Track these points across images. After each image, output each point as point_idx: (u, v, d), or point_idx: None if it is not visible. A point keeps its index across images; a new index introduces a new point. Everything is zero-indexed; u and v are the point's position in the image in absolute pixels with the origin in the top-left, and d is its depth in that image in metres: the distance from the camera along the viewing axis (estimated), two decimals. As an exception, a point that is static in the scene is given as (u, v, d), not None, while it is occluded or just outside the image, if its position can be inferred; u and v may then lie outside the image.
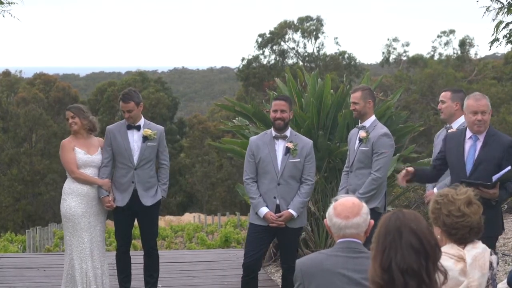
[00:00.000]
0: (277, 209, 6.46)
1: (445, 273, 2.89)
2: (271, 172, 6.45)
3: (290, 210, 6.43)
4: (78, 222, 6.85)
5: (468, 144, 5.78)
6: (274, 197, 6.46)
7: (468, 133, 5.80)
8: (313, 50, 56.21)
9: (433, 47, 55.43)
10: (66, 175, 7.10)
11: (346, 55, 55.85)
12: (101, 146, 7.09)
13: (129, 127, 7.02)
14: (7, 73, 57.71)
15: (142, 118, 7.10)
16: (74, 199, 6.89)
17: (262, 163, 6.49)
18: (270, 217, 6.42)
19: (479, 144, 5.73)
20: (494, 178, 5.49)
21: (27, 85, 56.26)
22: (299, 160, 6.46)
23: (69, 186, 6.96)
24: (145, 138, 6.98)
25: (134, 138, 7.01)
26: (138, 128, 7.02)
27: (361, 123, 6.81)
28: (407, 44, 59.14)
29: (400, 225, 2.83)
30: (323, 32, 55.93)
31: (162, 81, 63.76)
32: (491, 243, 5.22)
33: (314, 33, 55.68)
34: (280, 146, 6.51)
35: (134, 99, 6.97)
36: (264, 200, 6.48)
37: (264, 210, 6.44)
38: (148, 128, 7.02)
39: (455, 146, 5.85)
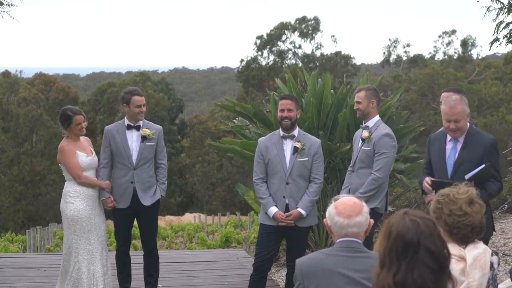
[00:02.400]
0: (287, 209, 6.48)
1: (453, 282, 2.89)
2: (280, 172, 6.47)
3: (299, 209, 6.45)
4: (86, 224, 6.85)
5: (449, 146, 5.73)
6: (283, 197, 6.48)
7: (449, 136, 5.76)
8: (312, 50, 56.31)
9: (435, 47, 55.50)
10: (65, 179, 7.05)
11: (342, 55, 55.79)
12: (90, 145, 7.11)
13: (129, 127, 7.02)
14: (6, 74, 57.65)
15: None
16: (82, 202, 6.87)
17: (271, 164, 6.51)
18: (279, 216, 6.43)
19: (459, 145, 5.68)
20: (467, 176, 5.40)
21: (28, 85, 56.21)
22: (307, 159, 6.47)
23: (73, 189, 6.90)
24: (144, 138, 6.99)
25: (133, 138, 7.01)
26: (137, 128, 7.02)
27: (364, 123, 6.82)
28: (408, 45, 59.26)
29: (418, 240, 2.82)
30: (319, 31, 56.00)
31: (166, 82, 63.58)
32: None
33: (311, 34, 55.74)
34: (288, 146, 6.52)
35: (144, 95, 7.11)
36: (274, 200, 6.50)
37: (273, 210, 6.46)
38: (147, 128, 7.02)
39: (437, 148, 5.80)
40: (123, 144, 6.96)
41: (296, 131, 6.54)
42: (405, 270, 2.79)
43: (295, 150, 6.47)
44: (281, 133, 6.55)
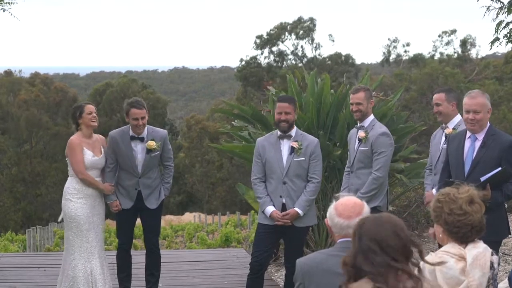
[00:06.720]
0: (283, 208, 6.48)
1: (418, 266, 3.04)
2: (277, 172, 6.48)
3: (296, 208, 6.43)
4: (83, 223, 6.83)
5: (467, 144, 5.70)
6: (280, 196, 6.47)
7: (468, 133, 5.72)
8: (312, 50, 56.35)
9: (434, 46, 55.48)
10: (68, 175, 7.01)
11: (341, 55, 55.77)
12: (103, 145, 7.03)
13: (132, 137, 6.93)
14: (9, 73, 57.63)
15: (145, 128, 6.97)
16: (80, 201, 6.85)
17: (268, 164, 6.52)
18: (276, 215, 6.43)
19: (477, 144, 5.64)
20: (482, 179, 5.36)
21: (28, 85, 56.09)
22: (303, 158, 6.46)
23: (73, 186, 6.88)
24: (149, 150, 6.95)
25: (138, 149, 6.94)
26: (142, 139, 6.94)
27: (360, 123, 6.82)
28: (408, 44, 59.29)
29: (361, 233, 3.04)
30: (315, 31, 56.06)
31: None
32: (494, 248, 4.92)
33: (309, 34, 55.76)
34: (285, 146, 6.52)
35: (145, 107, 6.93)
36: (271, 199, 6.50)
37: (270, 209, 6.46)
38: (152, 138, 6.92)
39: (456, 146, 5.77)
40: (128, 155, 6.91)
41: (293, 131, 6.55)
42: (355, 254, 3.02)
43: (292, 150, 6.48)
44: (278, 133, 6.57)
